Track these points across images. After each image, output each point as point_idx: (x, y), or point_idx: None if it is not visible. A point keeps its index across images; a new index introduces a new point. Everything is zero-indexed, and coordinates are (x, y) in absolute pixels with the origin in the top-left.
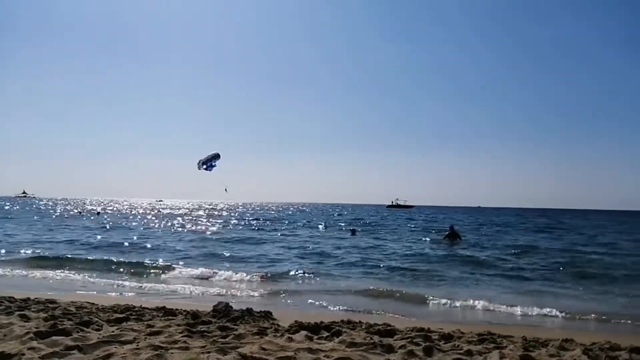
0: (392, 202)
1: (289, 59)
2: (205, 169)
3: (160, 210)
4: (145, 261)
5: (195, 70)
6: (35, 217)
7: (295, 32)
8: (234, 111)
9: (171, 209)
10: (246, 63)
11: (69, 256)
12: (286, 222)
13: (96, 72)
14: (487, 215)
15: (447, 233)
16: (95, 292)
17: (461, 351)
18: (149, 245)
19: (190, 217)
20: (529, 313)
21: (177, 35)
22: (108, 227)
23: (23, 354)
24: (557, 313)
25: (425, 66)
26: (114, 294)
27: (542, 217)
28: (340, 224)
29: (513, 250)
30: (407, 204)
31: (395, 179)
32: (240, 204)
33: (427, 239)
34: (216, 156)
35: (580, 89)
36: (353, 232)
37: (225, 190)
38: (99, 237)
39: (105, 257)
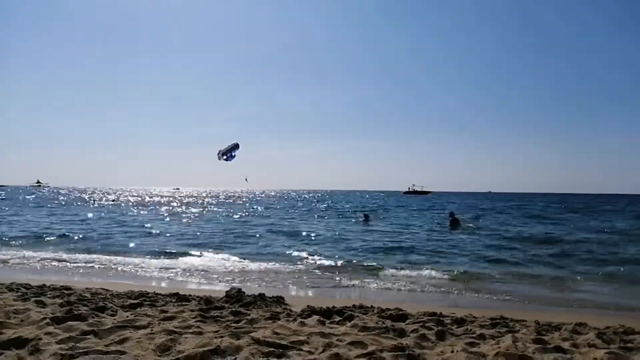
0: (409, 189)
1: (298, 47)
2: (226, 159)
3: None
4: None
5: (209, 61)
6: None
7: (304, 21)
8: (248, 101)
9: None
10: (255, 51)
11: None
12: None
13: (114, 62)
14: (499, 201)
15: (450, 219)
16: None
17: (474, 335)
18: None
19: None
20: (541, 297)
21: (188, 24)
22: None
23: (40, 339)
24: (569, 296)
25: (434, 53)
26: (127, 281)
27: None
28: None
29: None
30: (424, 190)
31: (407, 165)
32: (258, 192)
33: (436, 223)
34: (236, 146)
35: (591, 74)
36: (366, 217)
37: (246, 180)
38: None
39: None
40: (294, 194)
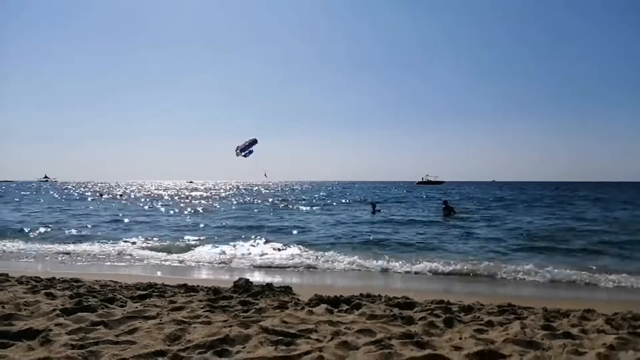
0: (422, 179)
1: (307, 37)
2: (244, 155)
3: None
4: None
5: (219, 54)
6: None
7: (313, 11)
8: (257, 92)
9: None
10: (262, 42)
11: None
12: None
13: (125, 55)
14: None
15: (443, 207)
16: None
17: (482, 322)
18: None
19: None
20: (547, 281)
21: (203, 17)
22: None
23: (50, 330)
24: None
25: (440, 39)
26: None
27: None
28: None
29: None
30: (437, 180)
31: (416, 155)
32: (272, 183)
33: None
34: (253, 142)
35: (598, 60)
36: (373, 207)
37: (265, 175)
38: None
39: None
40: (307, 185)
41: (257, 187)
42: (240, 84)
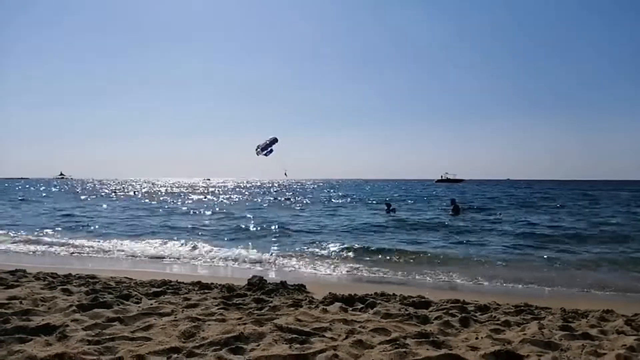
0: (442, 177)
1: (316, 34)
2: (265, 154)
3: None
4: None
5: (227, 52)
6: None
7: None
8: (271, 90)
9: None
10: (272, 39)
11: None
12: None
13: (140, 52)
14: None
15: (452, 207)
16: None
17: (498, 322)
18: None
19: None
20: (566, 284)
21: (213, 15)
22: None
23: (67, 326)
24: (595, 283)
25: (453, 37)
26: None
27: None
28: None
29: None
30: (456, 178)
31: (434, 153)
32: (295, 181)
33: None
34: (274, 141)
35: (613, 57)
36: (388, 207)
37: (285, 174)
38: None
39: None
40: (333, 183)
41: (276, 184)
42: (257, 83)
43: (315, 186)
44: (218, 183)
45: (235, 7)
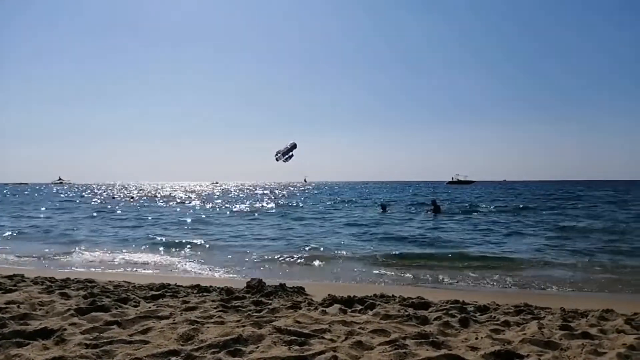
0: (452, 178)
1: (316, 37)
2: (284, 160)
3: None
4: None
5: (221, 53)
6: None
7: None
8: (273, 93)
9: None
10: (273, 42)
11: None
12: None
13: (143, 55)
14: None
15: (432, 207)
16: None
17: (498, 322)
18: None
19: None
20: (565, 284)
21: (217, 18)
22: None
23: (65, 329)
24: (594, 283)
25: (449, 39)
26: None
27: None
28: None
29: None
30: (467, 179)
31: (442, 154)
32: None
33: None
34: (294, 146)
35: (613, 57)
36: (383, 208)
37: (305, 180)
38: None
39: None
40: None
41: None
42: (262, 86)
43: (329, 188)
44: (217, 187)
45: (235, 9)
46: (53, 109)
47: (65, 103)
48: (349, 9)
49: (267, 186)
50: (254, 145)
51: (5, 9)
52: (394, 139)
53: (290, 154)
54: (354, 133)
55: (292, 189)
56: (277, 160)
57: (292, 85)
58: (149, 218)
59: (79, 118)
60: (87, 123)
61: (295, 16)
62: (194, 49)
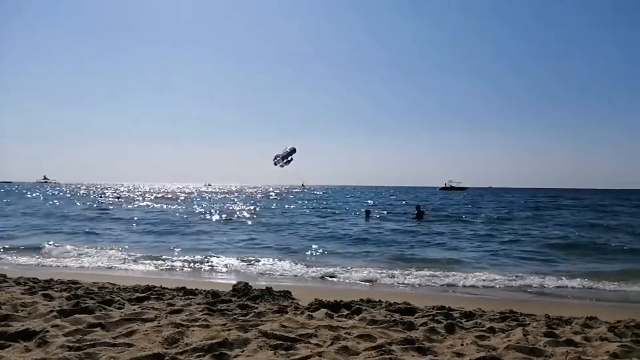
0: (445, 184)
1: (306, 38)
2: (281, 165)
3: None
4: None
5: (213, 54)
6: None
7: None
8: (264, 95)
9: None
10: (266, 42)
11: None
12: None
13: (131, 54)
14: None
15: (415, 212)
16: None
17: (483, 328)
18: None
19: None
20: (550, 292)
21: (217, 19)
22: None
23: (47, 331)
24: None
25: (440, 43)
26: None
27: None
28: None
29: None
30: (460, 185)
31: (437, 160)
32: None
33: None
34: (293, 151)
35: (604, 62)
36: (367, 214)
37: (303, 185)
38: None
39: None
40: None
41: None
42: (255, 87)
43: (322, 192)
44: (205, 189)
45: (215, 8)
46: (47, 108)
47: (61, 103)
48: (342, 12)
49: (265, 190)
50: (249, 148)
51: (5, 9)
52: (398, 143)
53: (290, 158)
54: (355, 137)
55: (292, 196)
56: (275, 164)
57: (288, 86)
58: None
59: (70, 118)
60: (81, 123)
61: (290, 17)
62: (194, 49)
